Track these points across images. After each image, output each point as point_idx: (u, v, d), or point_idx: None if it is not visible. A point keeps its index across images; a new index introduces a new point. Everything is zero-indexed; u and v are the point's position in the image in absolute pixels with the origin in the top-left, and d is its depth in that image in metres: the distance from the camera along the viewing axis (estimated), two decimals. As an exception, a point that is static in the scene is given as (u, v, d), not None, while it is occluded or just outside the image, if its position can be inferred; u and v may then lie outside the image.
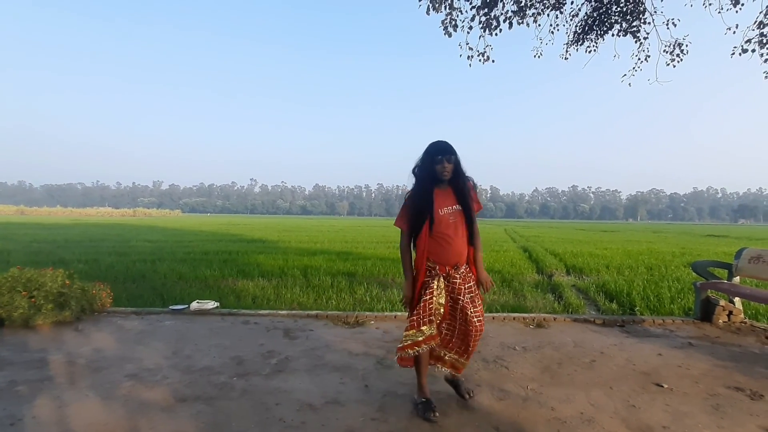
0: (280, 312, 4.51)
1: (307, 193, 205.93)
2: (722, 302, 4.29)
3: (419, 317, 2.25)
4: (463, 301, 2.25)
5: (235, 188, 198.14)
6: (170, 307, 4.69)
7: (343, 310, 4.70)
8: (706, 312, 4.34)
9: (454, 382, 2.54)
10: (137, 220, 45.07)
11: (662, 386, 2.75)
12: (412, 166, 2.38)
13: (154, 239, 16.01)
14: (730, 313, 4.28)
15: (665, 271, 8.00)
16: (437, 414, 2.24)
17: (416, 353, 2.29)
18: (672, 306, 5.16)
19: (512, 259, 9.95)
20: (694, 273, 4.83)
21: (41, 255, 9.85)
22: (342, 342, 3.55)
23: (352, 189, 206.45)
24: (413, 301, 2.33)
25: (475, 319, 2.25)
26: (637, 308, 5.10)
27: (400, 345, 2.31)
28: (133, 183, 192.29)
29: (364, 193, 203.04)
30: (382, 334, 3.80)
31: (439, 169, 2.25)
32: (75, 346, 3.37)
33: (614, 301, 5.60)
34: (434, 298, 2.26)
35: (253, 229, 25.76)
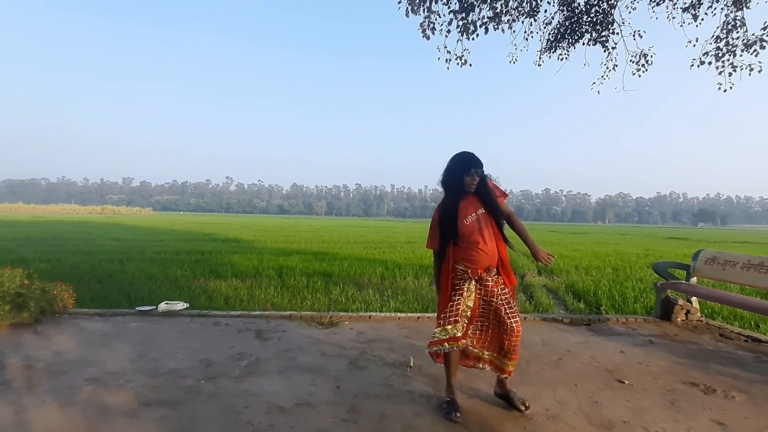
0: (252, 313, 4.44)
1: (284, 192, 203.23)
2: (681, 302, 4.52)
3: (445, 317, 2.34)
4: (496, 302, 2.33)
5: (210, 186, 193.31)
6: (137, 308, 4.53)
7: (318, 311, 4.67)
8: (665, 311, 4.56)
9: (504, 395, 2.48)
10: (105, 218, 43.28)
11: (624, 383, 2.87)
12: (439, 176, 2.45)
13: (122, 238, 15.43)
14: (688, 312, 4.50)
15: (630, 271, 8.33)
16: (459, 414, 2.27)
17: (439, 351, 2.38)
18: (635, 305, 5.39)
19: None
20: (655, 274, 5.05)
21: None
22: (315, 343, 3.52)
23: (331, 189, 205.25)
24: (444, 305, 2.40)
25: (511, 320, 2.30)
26: (603, 307, 5.30)
27: (430, 340, 2.41)
28: (102, 179, 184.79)
29: (342, 193, 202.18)
30: (356, 335, 3.80)
31: (468, 180, 2.34)
32: (33, 348, 3.21)
33: (582, 301, 5.80)
34: (462, 300, 2.33)
35: (228, 228, 25.20)
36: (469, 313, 2.35)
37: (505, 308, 2.31)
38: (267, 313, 4.46)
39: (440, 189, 2.50)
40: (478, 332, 2.45)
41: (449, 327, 2.32)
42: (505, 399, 2.47)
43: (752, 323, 4.63)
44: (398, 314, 4.52)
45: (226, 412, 2.27)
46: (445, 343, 2.33)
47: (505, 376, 2.40)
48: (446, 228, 2.36)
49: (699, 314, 4.56)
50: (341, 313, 4.48)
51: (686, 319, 4.50)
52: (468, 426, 2.22)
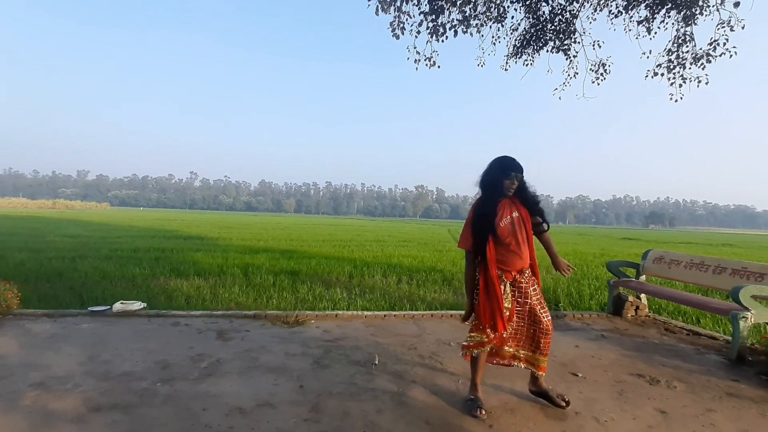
0: (214, 312, 4.31)
1: (252, 189, 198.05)
2: (631, 298, 4.80)
3: (486, 319, 2.36)
4: (531, 302, 2.42)
5: (173, 181, 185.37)
6: (89, 308, 4.29)
7: (284, 310, 4.60)
8: (617, 307, 4.83)
9: (541, 393, 2.53)
10: (57, 213, 40.54)
11: (577, 375, 3.02)
12: (478, 176, 2.48)
13: (75, 234, 14.54)
14: (637, 308, 4.79)
15: (587, 270, 8.75)
16: (483, 412, 2.31)
17: (479, 353, 2.44)
18: (590, 302, 5.67)
19: (454, 258, 10.34)
20: (609, 272, 5.34)
21: (-70, 251, 8.54)
22: (279, 342, 3.47)
23: (300, 186, 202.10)
24: (479, 304, 2.41)
25: (544, 318, 2.41)
26: (561, 304, 5.54)
27: (466, 344, 2.48)
28: (54, 172, 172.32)
29: (312, 191, 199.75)
30: (322, 333, 3.77)
31: (507, 184, 2.37)
32: (-33, 354, 2.97)
33: (542, 298, 6.03)
34: (504, 308, 2.37)
35: (191, 225, 24.31)
36: (507, 313, 2.41)
37: (539, 307, 2.43)
38: (230, 312, 4.35)
39: (476, 189, 2.50)
40: (513, 332, 2.51)
41: (489, 329, 2.38)
42: (543, 396, 2.52)
43: (694, 318, 4.98)
44: (365, 312, 4.54)
45: (183, 415, 2.20)
46: (487, 345, 2.43)
47: (540, 373, 2.48)
48: (483, 227, 2.36)
49: (647, 310, 4.86)
50: (308, 312, 4.43)
51: (636, 314, 4.79)
52: (430, 421, 2.26)
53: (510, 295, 2.42)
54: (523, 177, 2.44)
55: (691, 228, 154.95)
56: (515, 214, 2.44)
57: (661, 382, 2.94)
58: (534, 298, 2.43)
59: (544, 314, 2.43)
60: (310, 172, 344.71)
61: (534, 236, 2.54)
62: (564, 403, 2.45)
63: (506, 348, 2.52)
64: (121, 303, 4.35)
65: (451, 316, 4.57)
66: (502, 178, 2.38)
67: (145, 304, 4.47)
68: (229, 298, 5.34)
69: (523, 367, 2.53)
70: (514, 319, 2.46)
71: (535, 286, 2.48)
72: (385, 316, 4.47)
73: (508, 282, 2.42)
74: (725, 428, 2.31)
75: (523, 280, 2.43)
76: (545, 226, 2.59)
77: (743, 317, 3.38)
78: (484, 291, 2.36)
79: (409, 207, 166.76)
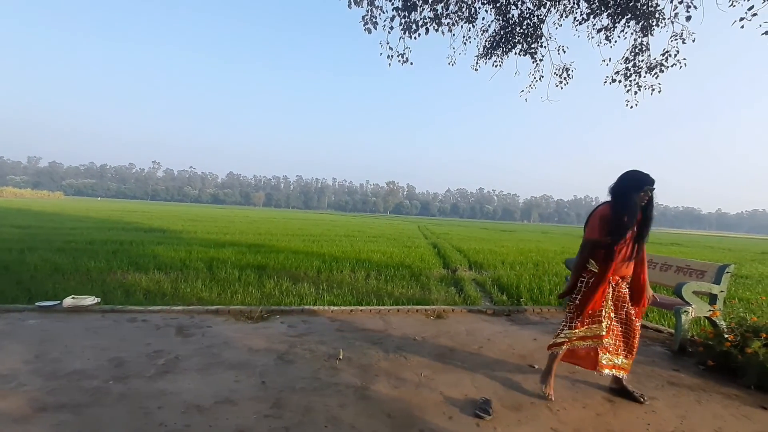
0: (174, 308, 4.17)
1: (219, 180, 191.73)
2: (587, 294, 5.04)
3: (591, 317, 2.56)
4: (627, 307, 2.61)
5: (134, 171, 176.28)
6: (37, 303, 4.04)
7: (249, 305, 4.51)
8: (574, 302, 5.06)
9: (623, 391, 2.71)
10: (5, 202, 37.66)
11: (534, 367, 3.15)
12: (610, 186, 2.60)
13: (24, 225, 13.57)
14: (593, 303, 5.04)
15: (548, 266, 9.10)
16: (487, 416, 2.33)
17: (581, 347, 2.61)
18: (550, 297, 5.91)
19: (422, 254, 10.47)
20: (566, 269, 5.58)
21: None
22: (242, 338, 3.41)
23: (270, 179, 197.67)
24: (580, 298, 2.58)
25: (636, 324, 2.62)
26: (523, 299, 5.75)
27: (564, 339, 2.62)
28: (1, 157, 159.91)
29: (283, 185, 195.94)
30: (287, 329, 3.74)
31: (641, 197, 2.48)
32: None
33: (505, 293, 6.22)
34: (605, 304, 2.56)
35: (153, 217, 23.27)
36: (612, 314, 2.59)
37: (632, 314, 2.62)
38: (191, 308, 4.22)
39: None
40: (614, 339, 2.63)
41: (594, 326, 2.56)
42: (624, 394, 2.70)
43: (643, 312, 5.31)
44: (332, 307, 4.53)
45: (136, 414, 2.13)
46: (589, 340, 2.58)
47: (625, 375, 2.67)
48: (618, 233, 2.44)
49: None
50: (273, 307, 4.37)
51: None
52: (391, 414, 2.30)
53: (610, 297, 2.58)
54: (653, 191, 2.52)
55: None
56: (635, 228, 2.55)
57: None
58: (629, 305, 2.62)
59: (636, 321, 2.63)
60: (280, 165, 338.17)
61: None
62: (642, 399, 2.62)
63: (607, 356, 2.63)
64: (73, 298, 4.13)
65: (417, 311, 4.65)
66: (634, 192, 2.48)
67: (99, 299, 4.27)
68: (192, 293, 5.17)
69: (619, 374, 2.66)
70: (613, 323, 2.62)
71: (629, 295, 2.64)
72: (351, 311, 4.48)
73: (612, 285, 2.58)
74: (665, 414, 2.49)
75: (623, 287, 2.61)
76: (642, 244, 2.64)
77: (685, 311, 3.63)
78: (596, 283, 2.52)
79: (380, 203, 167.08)
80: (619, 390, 2.74)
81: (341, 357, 3.10)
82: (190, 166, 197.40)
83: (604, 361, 2.62)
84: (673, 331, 4.13)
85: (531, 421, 2.32)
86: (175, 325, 3.63)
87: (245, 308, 4.23)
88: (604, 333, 2.57)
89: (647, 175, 2.52)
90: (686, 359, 3.50)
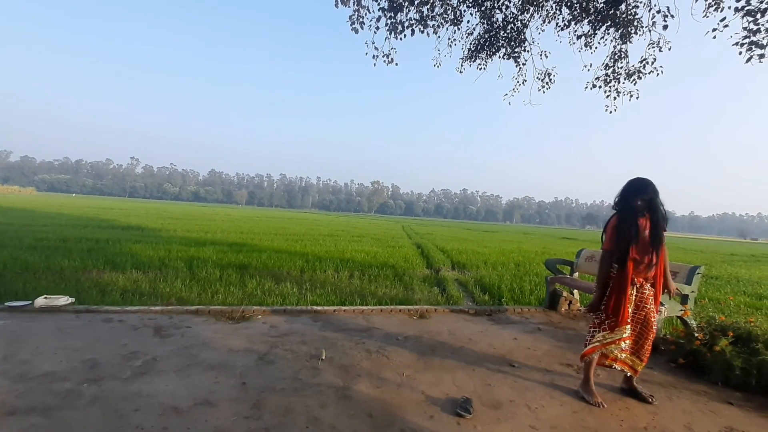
0: (153, 308, 4.07)
1: (201, 178, 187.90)
2: (565, 293, 5.16)
3: (618, 319, 2.63)
4: (648, 308, 2.67)
5: (111, 167, 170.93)
6: (6, 303, 3.89)
7: (230, 305, 4.45)
8: (552, 302, 5.18)
9: (632, 391, 2.80)
10: (-32, 197, 36.04)
11: (514, 365, 3.21)
12: (614, 198, 2.74)
13: (-10, 221, 13.02)
14: (570, 302, 5.17)
15: (529, 267, 9.27)
16: (468, 415, 2.36)
17: (613, 351, 2.68)
18: (531, 297, 6.02)
19: (406, 254, 10.51)
20: (546, 269, 5.70)
21: None
22: (222, 338, 3.36)
23: (253, 177, 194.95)
24: (607, 303, 2.67)
25: (654, 327, 2.69)
26: (504, 299, 5.84)
27: (597, 343, 2.70)
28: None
29: (266, 183, 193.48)
30: (269, 329, 3.70)
31: (637, 205, 2.61)
32: None
33: (487, 293, 6.31)
34: (630, 306, 2.65)
35: (130, 214, 22.66)
36: (633, 315, 2.68)
37: (652, 315, 2.68)
38: (170, 308, 4.13)
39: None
40: (634, 339, 2.71)
41: (621, 329, 2.64)
42: (633, 394, 2.78)
43: (619, 312, 5.46)
44: (314, 307, 4.50)
45: (111, 416, 2.07)
46: (621, 343, 2.66)
47: (633, 375, 2.75)
48: (628, 237, 2.58)
49: (579, 304, 5.26)
50: (255, 307, 4.32)
51: (569, 308, 5.16)
52: (373, 414, 2.30)
53: (633, 297, 2.66)
54: (653, 200, 2.61)
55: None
56: (647, 231, 2.64)
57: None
58: (650, 306, 2.68)
59: (654, 323, 2.69)
60: (263, 163, 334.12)
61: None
62: (651, 400, 2.71)
63: (626, 355, 2.71)
64: (45, 297, 3.99)
65: (400, 311, 4.66)
66: (633, 200, 2.62)
67: (74, 299, 4.14)
68: (171, 292, 5.06)
69: (620, 369, 2.74)
70: (633, 324, 2.68)
71: (653, 298, 2.71)
72: (334, 311, 4.47)
73: (636, 286, 2.66)
74: (637, 410, 2.57)
75: (646, 288, 2.68)
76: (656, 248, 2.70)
77: (658, 311, 3.75)
78: (617, 289, 2.63)
79: (364, 202, 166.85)
80: (628, 390, 2.83)
81: (324, 357, 3.08)
82: (171, 163, 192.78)
83: (627, 360, 2.72)
84: (646, 330, 4.26)
85: (510, 420, 2.36)
86: (152, 326, 3.55)
87: (226, 308, 4.17)
88: (628, 334, 2.67)
89: (643, 184, 2.65)
90: (659, 357, 3.61)
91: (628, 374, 2.77)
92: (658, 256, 2.67)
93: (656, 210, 2.65)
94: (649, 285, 2.71)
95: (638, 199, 2.61)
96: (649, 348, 2.72)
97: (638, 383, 2.89)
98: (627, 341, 2.68)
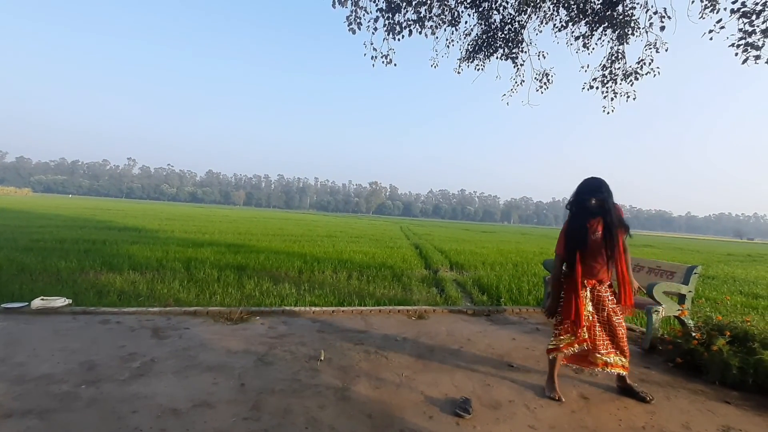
0: (150, 309, 4.06)
1: (198, 179, 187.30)
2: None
3: (574, 322, 2.63)
4: (607, 309, 2.67)
5: (108, 167, 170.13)
6: (2, 305, 3.87)
7: (228, 306, 4.44)
8: (552, 302, 5.18)
9: (626, 390, 2.81)
10: (-37, 198, 35.82)
11: (512, 366, 3.21)
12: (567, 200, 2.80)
13: (-14, 222, 12.95)
14: (569, 303, 5.16)
15: (527, 267, 9.29)
16: (467, 415, 2.36)
17: (571, 353, 2.71)
18: (529, 297, 6.04)
19: (404, 255, 10.51)
20: (545, 269, 5.70)
21: None
22: (221, 340, 3.35)
23: (251, 178, 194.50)
24: (561, 306, 2.71)
25: (618, 327, 2.67)
26: (503, 299, 5.84)
27: (553, 347, 2.74)
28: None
29: (263, 184, 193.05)
30: (267, 330, 3.69)
31: (587, 206, 2.61)
32: None
33: (485, 294, 6.32)
34: (584, 308, 2.64)
35: (128, 215, 22.58)
36: (591, 317, 2.67)
37: (614, 316, 2.67)
38: (168, 309, 4.11)
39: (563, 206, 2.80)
40: (601, 339, 2.69)
41: (579, 331, 2.64)
42: (629, 393, 2.78)
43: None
44: (313, 308, 4.50)
45: (108, 418, 2.06)
46: (576, 345, 2.68)
47: (625, 372, 2.73)
48: (576, 240, 2.63)
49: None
50: (253, 308, 4.31)
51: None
52: (372, 414, 2.30)
53: (590, 300, 2.68)
54: (604, 196, 2.60)
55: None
56: (601, 233, 2.63)
57: (584, 371, 3.19)
58: (609, 306, 2.67)
59: (618, 323, 2.68)
60: (261, 164, 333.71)
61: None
62: (648, 398, 2.70)
63: (598, 355, 2.69)
64: (42, 299, 3.97)
65: (399, 311, 4.66)
66: (582, 200, 2.63)
67: (71, 301, 4.12)
68: (168, 294, 5.05)
69: (613, 371, 2.73)
70: (597, 326, 2.68)
71: (612, 298, 2.71)
72: (333, 311, 4.47)
73: (588, 288, 2.67)
74: (636, 410, 2.58)
75: (601, 290, 2.68)
76: (614, 246, 2.65)
77: (656, 311, 3.77)
78: (570, 292, 2.65)
79: (362, 203, 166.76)
80: (623, 389, 2.83)
81: (322, 358, 3.08)
82: (168, 164, 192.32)
83: (597, 360, 2.71)
84: (644, 329, 4.27)
85: (509, 420, 2.36)
86: (150, 327, 3.53)
87: (224, 309, 4.16)
88: (586, 336, 2.67)
89: (596, 184, 2.64)
90: (656, 357, 3.63)
91: (622, 373, 2.76)
92: (612, 257, 2.64)
93: (609, 212, 2.64)
94: (605, 286, 2.69)
95: (592, 199, 2.60)
96: (625, 343, 2.70)
97: (636, 382, 2.90)
98: (586, 343, 2.67)
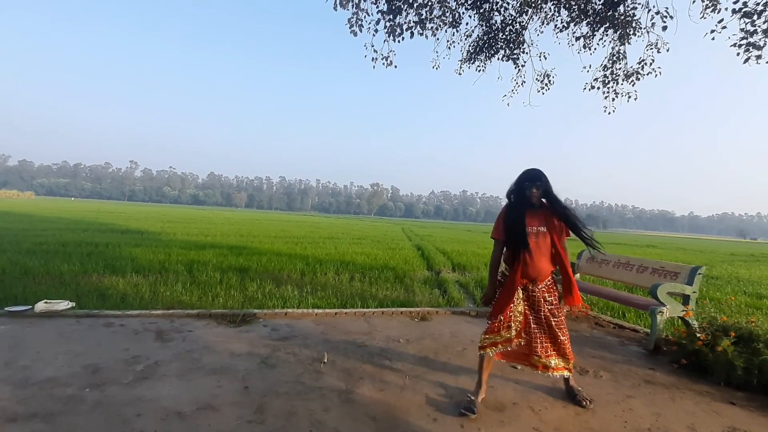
0: (154, 312, 4.07)
1: (200, 181, 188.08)
2: (567, 295, 5.15)
3: (500, 322, 2.53)
4: (544, 311, 2.54)
5: (110, 170, 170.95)
6: (6, 308, 3.88)
7: (231, 308, 4.44)
8: (555, 303, 5.16)
9: (567, 392, 2.73)
10: (-34, 202, 35.99)
11: (516, 368, 3.19)
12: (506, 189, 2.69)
13: (-11, 226, 13.00)
14: (572, 304, 5.15)
15: (530, 268, 9.27)
16: (472, 414, 2.35)
17: (495, 353, 2.57)
18: (532, 299, 6.01)
19: (406, 256, 10.50)
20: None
21: None
22: (224, 342, 3.35)
23: (252, 180, 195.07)
24: (494, 302, 2.60)
25: (557, 328, 2.54)
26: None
27: (480, 344, 2.61)
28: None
29: (265, 186, 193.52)
30: (270, 332, 3.69)
31: (528, 195, 2.51)
32: None
33: (488, 295, 6.30)
34: (514, 307, 2.53)
35: (130, 218, 22.64)
36: (520, 318, 2.55)
37: (552, 318, 2.54)
38: (171, 311, 4.12)
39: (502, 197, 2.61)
40: (537, 340, 2.56)
41: (503, 332, 2.53)
42: (569, 396, 2.69)
43: (620, 313, 5.45)
44: (315, 310, 4.49)
45: (113, 421, 2.06)
46: (500, 345, 2.55)
47: (569, 374, 2.63)
48: (515, 235, 2.50)
49: (580, 305, 5.24)
50: (256, 311, 4.31)
51: (570, 310, 5.15)
52: (376, 417, 2.30)
53: (522, 301, 2.56)
54: (544, 186, 2.52)
55: (621, 230, 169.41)
56: (542, 228, 2.53)
57: (589, 372, 3.19)
58: (546, 308, 2.54)
59: (556, 323, 2.54)
60: (263, 166, 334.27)
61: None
62: (585, 403, 2.58)
63: (536, 357, 2.57)
64: (45, 302, 3.98)
65: (401, 313, 4.66)
66: (523, 191, 2.54)
67: (74, 304, 4.12)
68: (171, 296, 5.05)
69: (557, 375, 2.59)
70: (533, 326, 2.56)
71: (551, 298, 2.58)
72: (336, 313, 4.46)
73: (520, 288, 2.54)
74: (641, 412, 2.57)
75: (536, 290, 2.54)
76: (584, 234, 2.61)
77: (660, 312, 3.76)
78: (504, 290, 2.55)
79: (364, 204, 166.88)
80: (566, 391, 2.72)
81: (326, 360, 3.08)
82: (170, 166, 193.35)
83: (536, 363, 2.59)
84: (648, 330, 4.26)
85: (513, 421, 2.35)
86: (154, 330, 3.54)
87: (227, 312, 4.16)
88: (513, 336, 2.53)
89: (529, 172, 2.56)
90: (661, 358, 3.61)
91: (566, 375, 2.64)
92: (555, 255, 2.53)
93: (555, 200, 2.57)
94: (541, 285, 2.55)
95: (532, 187, 2.51)
96: (566, 347, 2.57)
97: (641, 385, 2.89)
98: (516, 341, 2.55)
